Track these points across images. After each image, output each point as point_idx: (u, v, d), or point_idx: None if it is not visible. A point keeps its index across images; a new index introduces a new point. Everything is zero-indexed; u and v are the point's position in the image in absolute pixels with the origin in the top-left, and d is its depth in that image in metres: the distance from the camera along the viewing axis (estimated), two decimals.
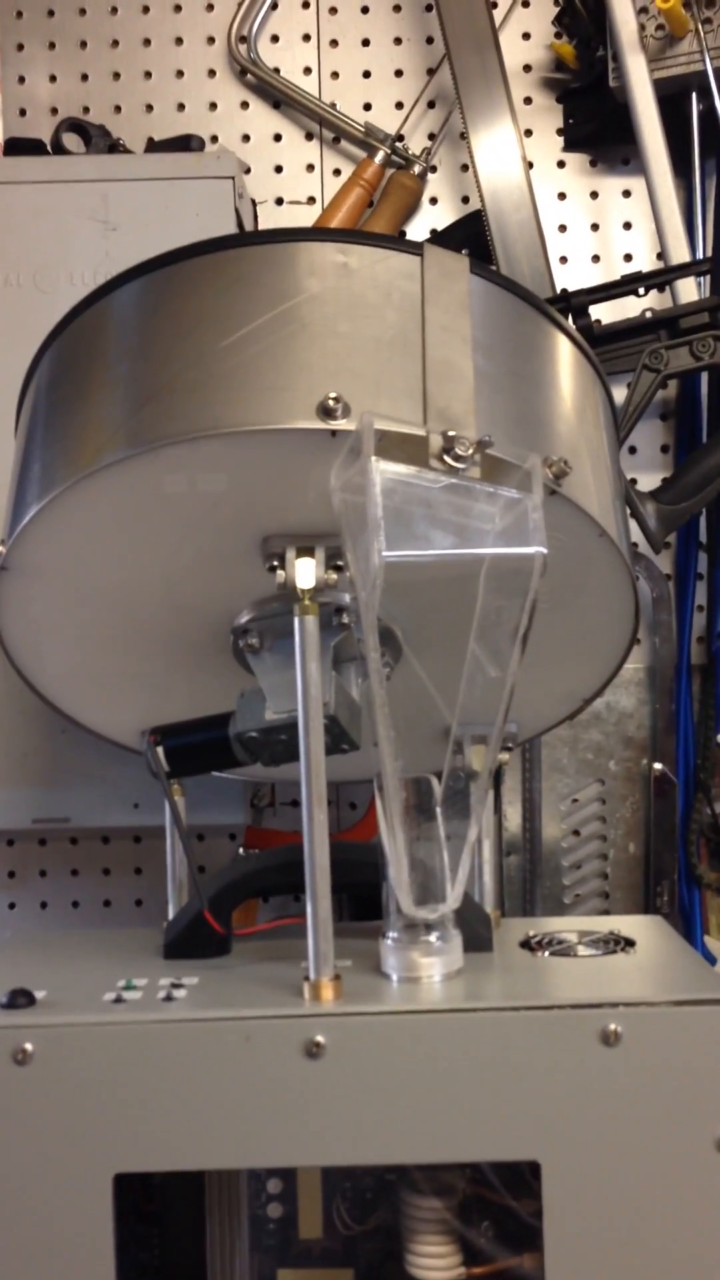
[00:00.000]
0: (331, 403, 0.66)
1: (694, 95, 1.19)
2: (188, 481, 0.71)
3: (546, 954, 0.84)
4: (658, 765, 1.24)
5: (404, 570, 0.66)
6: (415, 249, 0.74)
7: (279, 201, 1.28)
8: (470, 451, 0.66)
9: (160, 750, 0.81)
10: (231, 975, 0.80)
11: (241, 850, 1.22)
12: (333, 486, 0.68)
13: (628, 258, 1.27)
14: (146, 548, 0.78)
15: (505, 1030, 0.70)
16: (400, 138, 1.25)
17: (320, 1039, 0.70)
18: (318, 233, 0.75)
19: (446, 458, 0.65)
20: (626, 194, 1.27)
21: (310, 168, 1.28)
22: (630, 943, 0.86)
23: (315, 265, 0.72)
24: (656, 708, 1.24)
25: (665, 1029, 0.70)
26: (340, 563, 0.74)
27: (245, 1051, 0.70)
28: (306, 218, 1.26)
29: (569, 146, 1.28)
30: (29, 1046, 0.70)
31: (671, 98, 1.17)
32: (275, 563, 0.74)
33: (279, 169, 1.28)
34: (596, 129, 1.25)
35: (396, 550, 0.63)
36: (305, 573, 0.73)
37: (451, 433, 0.66)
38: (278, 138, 1.29)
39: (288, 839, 1.18)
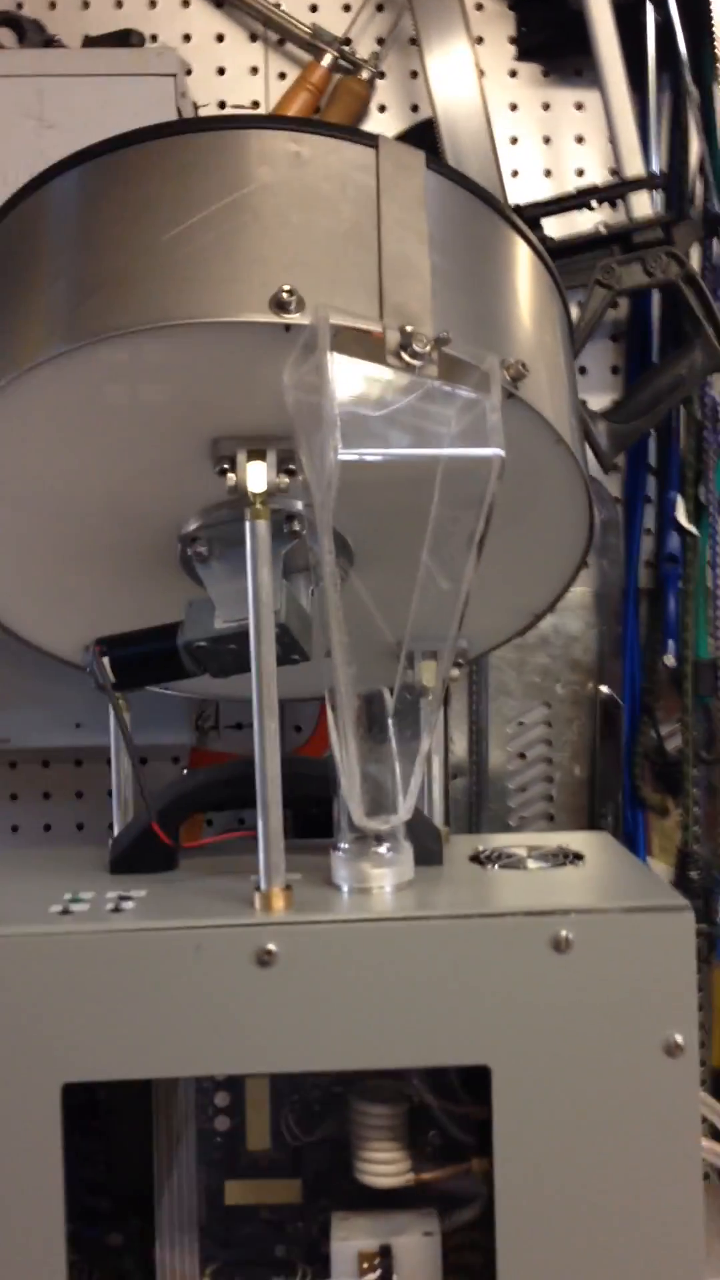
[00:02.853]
0: (285, 295, 0.63)
1: (649, 6, 1.16)
2: (131, 379, 0.69)
3: (496, 867, 0.84)
4: (604, 689, 1.24)
5: (358, 472, 0.64)
6: (370, 140, 0.71)
7: (221, 105, 1.23)
8: (427, 349, 0.64)
9: (106, 661, 0.79)
10: (180, 888, 0.79)
11: (185, 772, 1.20)
12: (285, 384, 0.66)
13: (580, 172, 1.25)
14: (89, 452, 0.75)
15: (457, 938, 0.70)
16: (348, 41, 1.21)
17: (271, 947, 0.69)
18: (269, 120, 0.73)
19: (404, 354, 0.64)
20: (579, 107, 1.25)
21: (254, 71, 1.24)
22: (578, 856, 0.86)
23: (267, 153, 0.69)
24: (603, 631, 1.24)
25: (615, 936, 0.70)
26: (292, 466, 0.72)
27: (196, 961, 0.69)
28: None
29: (522, 56, 1.25)
30: None
31: (628, 7, 1.15)
32: (225, 466, 0.72)
33: (222, 71, 1.24)
34: (550, 38, 1.22)
35: (353, 449, 0.61)
36: (256, 476, 0.71)
37: (409, 328, 0.64)
38: (220, 38, 1.24)
39: (235, 759, 1.17)
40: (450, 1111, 0.79)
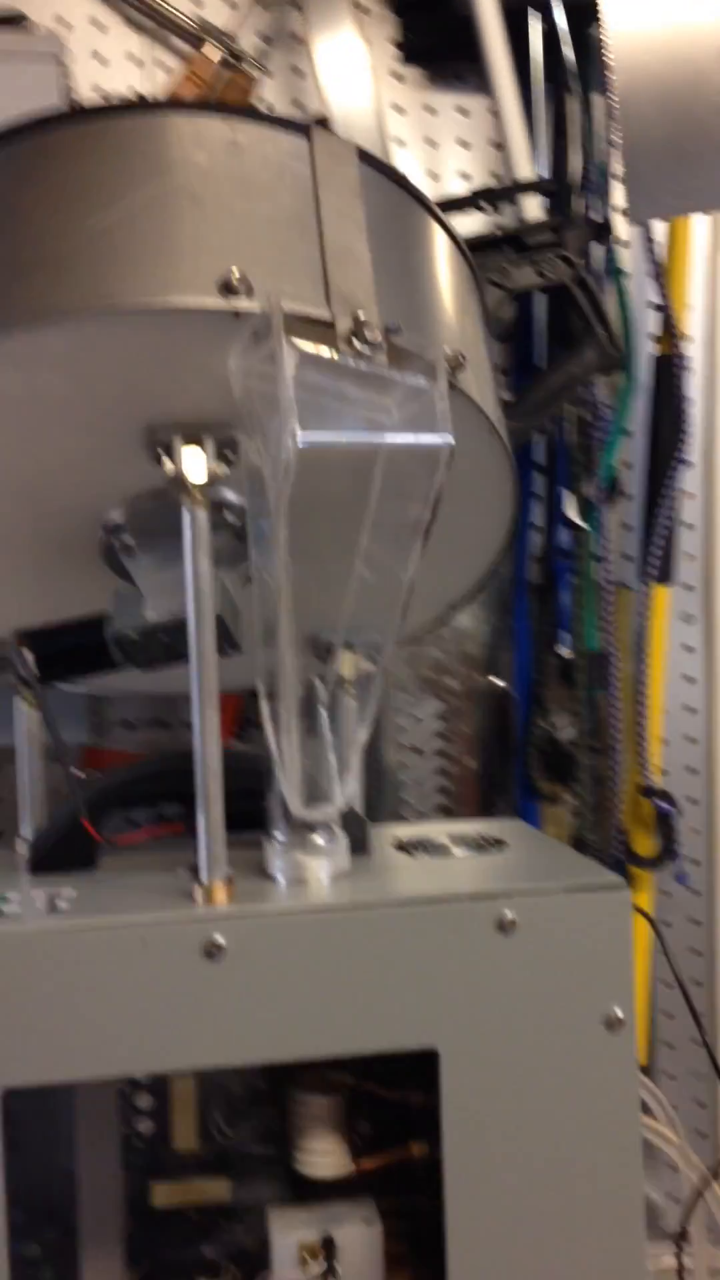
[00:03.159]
0: (235, 281, 0.63)
1: (534, 14, 1.19)
2: (65, 365, 0.67)
3: (423, 855, 0.85)
4: (497, 681, 1.26)
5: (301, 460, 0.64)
6: (302, 130, 0.71)
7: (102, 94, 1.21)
8: (378, 338, 0.64)
9: (28, 654, 0.77)
10: (108, 885, 0.78)
11: (79, 772, 1.17)
12: (233, 371, 0.65)
13: (465, 176, 1.27)
14: (11, 439, 0.73)
15: (406, 924, 0.71)
16: (232, 37, 1.21)
17: (220, 939, 0.69)
18: (203, 106, 0.72)
19: (355, 342, 0.64)
20: (463, 111, 1.27)
21: (135, 60, 1.22)
22: (500, 842, 0.88)
23: (203, 139, 0.68)
24: (494, 625, 1.27)
25: (557, 915, 0.72)
26: (228, 453, 0.71)
27: (142, 956, 0.68)
28: None
29: (407, 59, 1.26)
30: None
31: (512, 14, 1.17)
32: (160, 453, 0.70)
33: (101, 59, 1.22)
34: (434, 43, 1.24)
35: (311, 434, 0.61)
36: (195, 464, 0.70)
37: (361, 316, 0.64)
38: (99, 25, 1.22)
39: (130, 759, 1.15)
40: (386, 1098, 0.80)
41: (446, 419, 0.66)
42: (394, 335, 0.65)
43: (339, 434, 0.63)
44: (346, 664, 0.88)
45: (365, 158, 0.74)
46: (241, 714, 1.17)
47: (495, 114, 1.22)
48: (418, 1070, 0.76)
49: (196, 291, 0.63)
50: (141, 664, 0.77)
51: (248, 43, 1.23)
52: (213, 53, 1.18)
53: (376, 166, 0.75)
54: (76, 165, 0.68)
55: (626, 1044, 0.72)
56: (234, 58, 1.20)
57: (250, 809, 0.77)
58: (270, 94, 1.24)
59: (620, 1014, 0.72)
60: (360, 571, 0.72)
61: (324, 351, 0.63)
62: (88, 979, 0.68)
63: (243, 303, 0.63)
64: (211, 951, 0.68)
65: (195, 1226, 0.84)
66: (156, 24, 1.22)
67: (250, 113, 0.71)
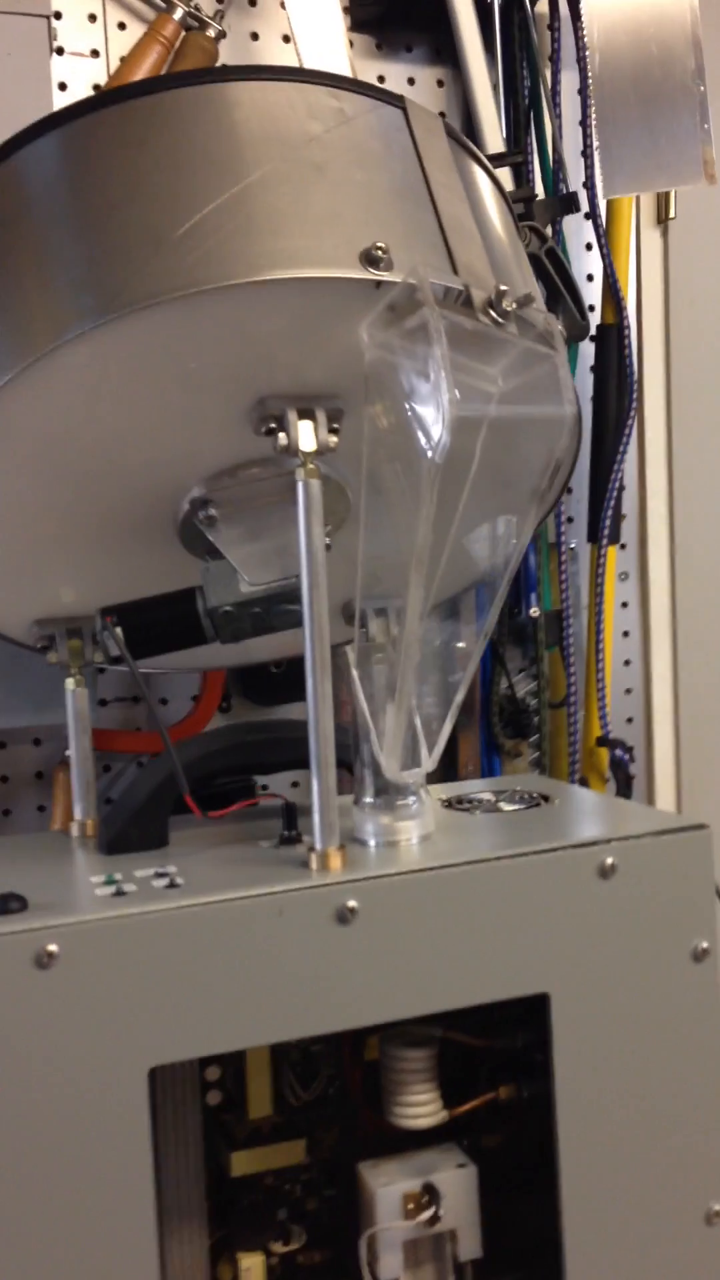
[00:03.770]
0: (378, 252, 0.63)
1: None
2: (189, 340, 0.66)
3: (479, 813, 0.88)
4: (460, 644, 1.30)
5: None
6: (397, 100, 0.72)
7: (59, 51, 1.17)
8: (513, 307, 0.66)
9: (119, 630, 0.75)
10: (206, 860, 0.77)
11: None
12: (365, 342, 0.66)
13: None
14: (113, 418, 0.71)
15: (519, 875, 0.73)
16: None
17: (353, 904, 0.70)
18: (305, 74, 0.71)
19: (492, 312, 0.65)
20: (411, 82, 1.28)
21: (92, 18, 1.19)
22: (547, 797, 0.91)
23: (314, 108, 0.68)
24: None
25: (652, 857, 0.76)
26: (336, 425, 0.72)
27: (278, 926, 0.69)
28: (93, 72, 1.17)
29: (355, 27, 1.27)
30: (53, 948, 0.64)
31: None
32: (272, 425, 0.70)
33: (57, 15, 1.17)
34: (384, 12, 1.25)
35: (467, 406, 0.63)
36: (308, 435, 0.70)
37: (503, 287, 0.66)
38: None
39: (133, 739, 1.13)
40: (475, 1045, 0.82)
41: (569, 386, 0.68)
42: (529, 304, 0.67)
43: (488, 405, 0.64)
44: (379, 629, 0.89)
45: (447, 127, 0.75)
46: (225, 688, 1.17)
47: (442, 84, 1.25)
48: (501, 1017, 0.80)
49: (340, 263, 0.64)
50: (227, 637, 0.77)
51: (206, 4, 1.21)
52: (176, 12, 1.16)
53: (454, 135, 0.76)
54: (183, 134, 0.66)
55: (711, 973, 0.77)
56: (195, 19, 1.18)
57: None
58: (226, 56, 1.22)
59: (706, 945, 0.77)
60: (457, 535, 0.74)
61: (466, 322, 0.64)
62: (226, 952, 0.68)
63: (386, 274, 0.64)
64: (345, 916, 0.70)
65: (275, 1191, 0.85)
66: None
67: (351, 83, 0.71)
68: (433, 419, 0.63)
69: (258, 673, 1.10)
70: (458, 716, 1.27)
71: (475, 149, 0.78)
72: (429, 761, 0.79)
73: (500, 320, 0.66)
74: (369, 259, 0.64)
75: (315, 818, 0.72)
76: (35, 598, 0.84)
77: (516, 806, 0.89)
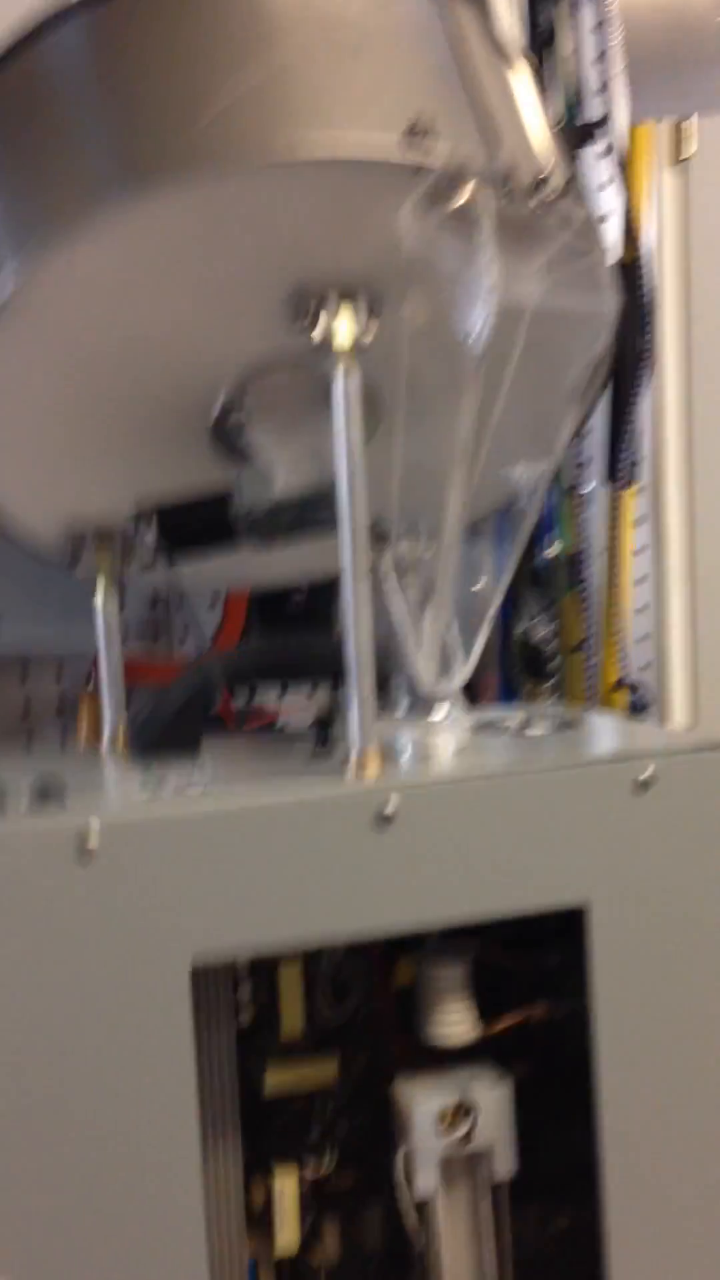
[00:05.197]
0: (419, 135, 0.62)
1: None
2: (226, 221, 0.64)
3: (510, 735, 0.86)
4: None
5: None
6: None
7: None
8: (555, 196, 0.65)
9: (155, 528, 0.74)
10: (241, 768, 0.76)
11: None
12: (406, 227, 0.64)
13: None
14: (143, 307, 0.70)
15: (554, 788, 0.72)
16: None
17: (391, 809, 0.68)
18: None
19: (536, 197, 0.64)
20: None
21: None
22: (574, 721, 0.90)
23: None
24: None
25: (688, 773, 0.75)
26: (372, 319, 0.70)
27: (315, 830, 0.67)
28: None
29: None
30: (94, 844, 0.63)
31: None
32: (309, 315, 0.69)
33: None
34: None
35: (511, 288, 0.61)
36: (346, 325, 0.69)
37: (543, 173, 0.64)
38: None
39: (153, 670, 1.11)
40: (509, 963, 0.81)
41: (611, 280, 0.67)
42: (565, 195, 0.65)
43: (530, 295, 0.63)
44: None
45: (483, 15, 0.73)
46: (245, 621, 1.15)
47: None
48: (534, 939, 0.79)
49: (380, 146, 0.62)
50: (260, 540, 0.75)
51: None
52: None
53: (488, 23, 0.74)
54: (228, 10, 0.65)
55: None
56: None
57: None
58: None
59: None
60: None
61: (508, 210, 0.63)
62: (267, 854, 0.66)
63: (428, 156, 0.62)
64: (383, 820, 0.68)
65: (307, 1113, 0.84)
66: None
67: None
68: (476, 304, 0.61)
69: (278, 607, 1.08)
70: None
71: (511, 36, 0.76)
72: (464, 670, 0.77)
73: (541, 207, 0.64)
74: (409, 141, 0.62)
75: (352, 718, 0.71)
76: (64, 501, 0.82)
77: (548, 729, 0.88)
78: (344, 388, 0.68)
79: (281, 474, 0.74)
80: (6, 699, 1.03)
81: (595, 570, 1.31)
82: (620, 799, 0.74)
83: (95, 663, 0.88)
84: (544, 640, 1.30)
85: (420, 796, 0.69)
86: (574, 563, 1.29)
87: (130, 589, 0.93)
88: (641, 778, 0.74)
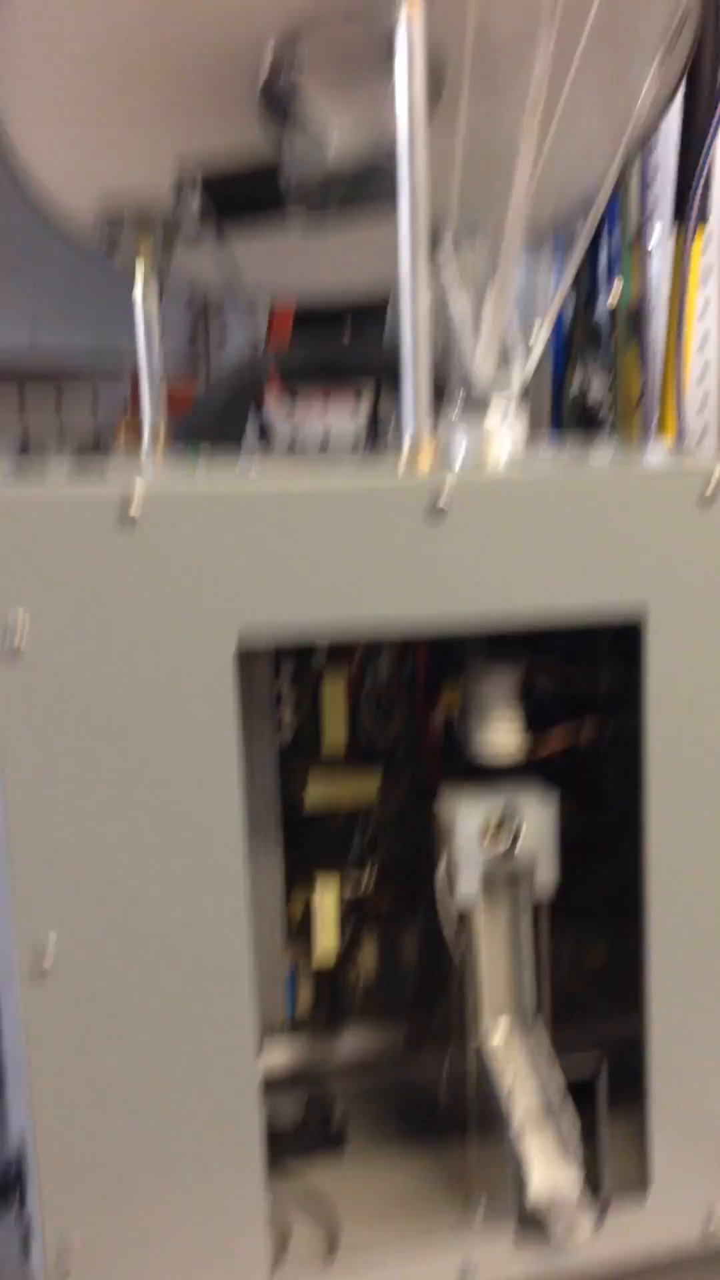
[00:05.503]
0: None
1: None
2: None
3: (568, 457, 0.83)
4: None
5: None
6: None
7: None
8: None
9: (200, 194, 0.69)
10: (288, 459, 0.73)
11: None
12: None
13: None
14: None
15: (614, 493, 0.69)
16: None
17: (444, 502, 0.65)
18: None
19: None
20: None
21: None
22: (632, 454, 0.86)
23: None
24: None
25: None
26: None
27: (366, 517, 0.64)
28: None
29: None
30: (136, 512, 0.60)
31: None
32: None
33: None
34: None
35: None
36: None
37: None
38: None
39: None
40: (560, 674, 0.79)
41: None
42: None
43: None
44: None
45: None
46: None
47: None
48: (587, 653, 0.76)
49: None
50: (319, 211, 0.70)
51: None
52: None
53: None
54: None
55: None
56: None
57: None
58: None
59: None
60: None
61: None
62: (317, 540, 0.64)
63: None
64: (435, 514, 0.65)
65: (348, 829, 0.83)
66: None
67: None
68: None
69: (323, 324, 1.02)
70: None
71: None
72: (525, 367, 0.73)
73: None
74: None
75: (408, 403, 0.67)
76: (102, 172, 0.77)
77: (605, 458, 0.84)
78: (408, 37, 0.62)
79: (336, 140, 0.68)
80: (42, 424, 1.00)
81: (656, 327, 1.25)
82: (684, 511, 0.70)
83: (133, 383, 0.85)
84: (598, 402, 1.25)
85: (475, 491, 0.66)
86: (635, 318, 1.22)
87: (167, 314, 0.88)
88: (708, 491, 0.70)
